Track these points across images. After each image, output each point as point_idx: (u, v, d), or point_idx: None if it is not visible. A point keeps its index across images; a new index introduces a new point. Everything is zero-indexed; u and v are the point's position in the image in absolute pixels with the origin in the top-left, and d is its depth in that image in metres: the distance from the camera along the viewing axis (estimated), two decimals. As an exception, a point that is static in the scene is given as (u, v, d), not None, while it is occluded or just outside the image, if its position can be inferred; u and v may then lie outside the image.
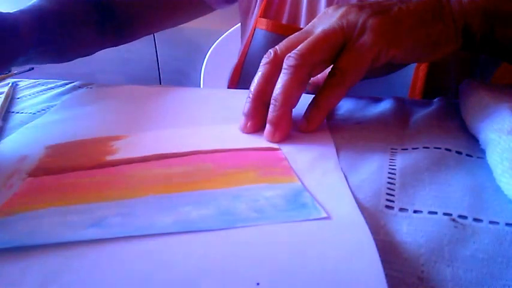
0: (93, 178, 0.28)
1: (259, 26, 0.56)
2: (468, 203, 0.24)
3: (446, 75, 0.49)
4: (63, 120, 0.40)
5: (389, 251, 0.20)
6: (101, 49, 0.59)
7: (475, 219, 0.23)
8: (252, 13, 0.59)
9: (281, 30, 0.54)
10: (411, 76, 0.48)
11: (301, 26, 0.54)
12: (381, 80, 0.41)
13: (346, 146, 0.32)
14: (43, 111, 0.43)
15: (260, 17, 0.56)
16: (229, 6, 0.63)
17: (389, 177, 0.27)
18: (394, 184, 0.26)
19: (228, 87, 0.58)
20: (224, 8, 0.64)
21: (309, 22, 0.54)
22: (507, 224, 0.22)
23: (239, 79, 0.57)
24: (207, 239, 0.21)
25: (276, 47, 0.34)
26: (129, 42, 0.63)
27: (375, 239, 0.20)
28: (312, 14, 0.54)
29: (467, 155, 0.30)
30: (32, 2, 0.49)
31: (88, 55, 0.56)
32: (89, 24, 0.56)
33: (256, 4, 0.59)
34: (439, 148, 0.30)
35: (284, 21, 0.55)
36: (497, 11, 0.34)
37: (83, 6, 0.55)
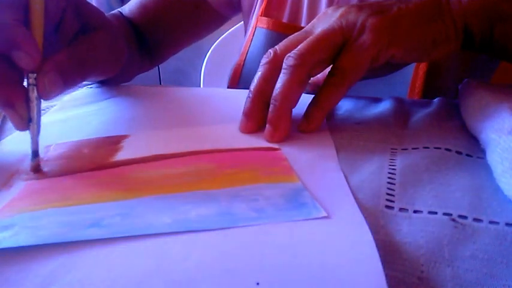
0: (93, 179, 0.28)
1: (260, 25, 0.56)
2: (468, 203, 0.24)
3: (446, 75, 0.49)
4: (63, 120, 0.40)
5: (389, 251, 0.20)
6: (139, 73, 0.60)
7: (475, 219, 0.23)
8: (254, 12, 0.59)
9: (282, 29, 0.54)
10: (411, 75, 0.48)
11: (302, 25, 0.54)
12: (381, 80, 0.41)
13: (346, 146, 0.32)
14: (43, 111, 0.43)
15: (261, 16, 0.56)
16: (237, 13, 0.65)
17: (389, 177, 0.27)
18: (394, 184, 0.26)
19: (229, 87, 0.58)
20: (233, 15, 0.65)
21: (309, 21, 0.54)
22: (507, 224, 0.22)
23: (240, 78, 0.57)
24: (206, 238, 0.21)
25: (276, 46, 0.34)
26: (158, 65, 0.64)
27: (375, 239, 0.20)
28: (312, 12, 0.54)
29: (467, 155, 0.30)
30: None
31: (129, 80, 0.54)
32: (135, 48, 0.57)
33: (257, 3, 0.59)
34: (439, 148, 0.30)
35: (285, 20, 0.55)
36: (497, 11, 0.34)
37: (129, 31, 0.57)
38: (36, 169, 0.29)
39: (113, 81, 0.49)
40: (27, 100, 0.28)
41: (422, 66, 0.48)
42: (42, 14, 0.29)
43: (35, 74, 0.28)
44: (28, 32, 0.28)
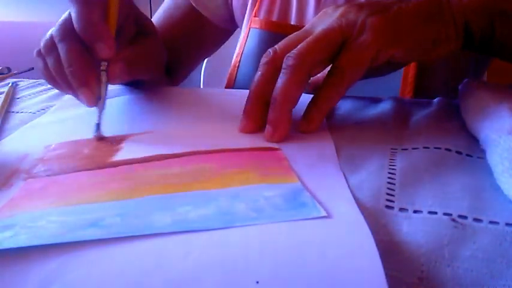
0: (93, 178, 0.28)
1: (253, 26, 0.56)
2: (468, 203, 0.24)
3: (435, 75, 0.50)
4: (63, 120, 0.40)
5: (389, 251, 0.20)
6: None
7: (475, 219, 0.22)
8: (247, 15, 0.60)
9: (273, 28, 0.55)
10: (401, 75, 0.48)
11: (292, 23, 0.55)
12: (371, 79, 0.41)
13: (346, 146, 0.32)
14: (43, 111, 0.43)
15: (254, 17, 0.57)
16: (237, 26, 0.66)
17: (389, 177, 0.27)
18: (394, 184, 0.26)
19: (225, 88, 0.59)
20: (236, 28, 0.66)
21: (299, 18, 0.55)
22: (507, 224, 0.22)
23: (235, 79, 0.58)
24: (206, 238, 0.21)
25: (276, 46, 0.34)
26: (177, 85, 0.67)
27: (375, 239, 0.20)
28: (301, 9, 0.54)
29: (467, 155, 0.30)
30: None
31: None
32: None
33: (249, 6, 0.59)
34: (439, 148, 0.30)
35: (274, 18, 0.56)
36: (497, 10, 0.34)
37: None
38: (100, 138, 0.35)
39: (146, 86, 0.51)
40: (98, 82, 0.35)
41: (412, 67, 0.48)
42: (117, 16, 0.36)
43: (106, 62, 0.35)
44: (109, 28, 0.35)
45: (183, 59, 0.64)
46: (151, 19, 0.63)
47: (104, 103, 0.36)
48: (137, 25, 0.41)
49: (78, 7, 0.34)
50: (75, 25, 0.34)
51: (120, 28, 0.38)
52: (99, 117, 0.35)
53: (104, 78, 0.35)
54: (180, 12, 0.61)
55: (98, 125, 0.35)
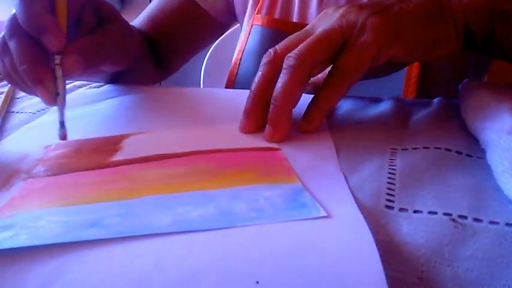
0: (93, 178, 0.28)
1: (256, 23, 0.57)
2: (468, 203, 0.24)
3: (438, 75, 0.50)
4: (63, 120, 0.40)
5: (389, 251, 0.20)
6: (156, 82, 0.63)
7: (475, 219, 0.23)
8: (248, 12, 0.60)
9: (275, 25, 0.55)
10: (404, 75, 0.48)
11: (294, 20, 0.55)
12: (374, 81, 0.41)
13: (346, 146, 0.32)
14: (43, 111, 0.43)
15: (257, 14, 0.57)
16: (236, 20, 0.66)
17: (389, 177, 0.27)
18: (394, 184, 0.26)
19: (226, 86, 0.59)
20: (233, 22, 0.67)
21: (301, 16, 0.55)
22: (507, 224, 0.22)
23: (236, 76, 0.58)
24: (206, 238, 0.21)
25: (276, 46, 0.34)
26: (170, 75, 0.67)
27: (375, 239, 0.20)
28: (303, 7, 0.54)
29: (467, 155, 0.30)
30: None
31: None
32: (150, 58, 0.60)
33: (250, 3, 0.59)
34: (439, 148, 0.30)
35: (277, 15, 0.56)
36: (497, 10, 0.34)
37: (143, 40, 0.60)
38: (64, 137, 0.33)
39: (126, 81, 0.50)
40: (54, 78, 0.33)
41: (416, 67, 0.48)
42: (65, 6, 0.35)
43: (60, 56, 0.33)
44: (55, 19, 0.33)
45: (176, 50, 0.63)
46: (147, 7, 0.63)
47: (63, 99, 0.34)
48: (97, 14, 0.39)
49: None
50: (19, 18, 0.32)
51: (78, 19, 0.37)
52: (61, 114, 0.33)
53: (59, 72, 0.33)
54: (176, 1, 0.61)
55: (62, 123, 0.33)
